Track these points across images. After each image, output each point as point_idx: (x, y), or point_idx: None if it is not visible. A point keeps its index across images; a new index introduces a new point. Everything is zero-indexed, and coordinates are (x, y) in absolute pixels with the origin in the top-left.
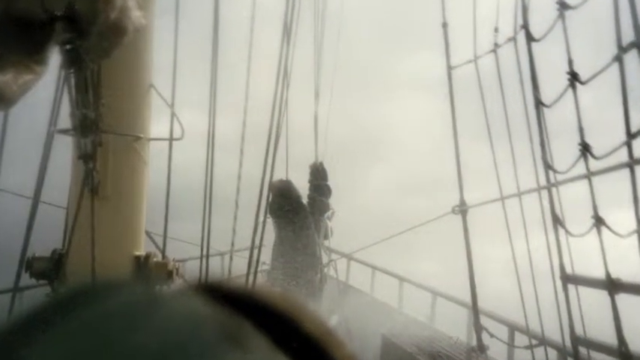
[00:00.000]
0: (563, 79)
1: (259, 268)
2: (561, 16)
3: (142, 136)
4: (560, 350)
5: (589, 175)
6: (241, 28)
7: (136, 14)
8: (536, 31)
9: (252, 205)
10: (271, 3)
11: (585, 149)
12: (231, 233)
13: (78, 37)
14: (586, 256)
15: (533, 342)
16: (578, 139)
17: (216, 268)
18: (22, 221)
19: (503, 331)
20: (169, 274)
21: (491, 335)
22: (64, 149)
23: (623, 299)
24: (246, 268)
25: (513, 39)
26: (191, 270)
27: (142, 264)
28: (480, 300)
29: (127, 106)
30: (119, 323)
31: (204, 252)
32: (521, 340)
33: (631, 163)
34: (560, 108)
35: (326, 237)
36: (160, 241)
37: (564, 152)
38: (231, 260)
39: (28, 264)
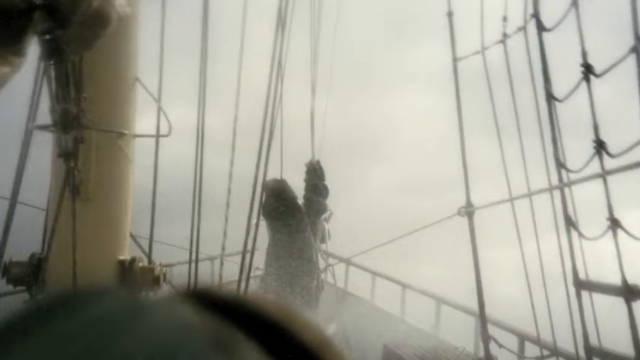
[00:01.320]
0: (577, 72)
1: (252, 274)
2: (574, 4)
3: (126, 132)
4: None
5: (604, 175)
6: (233, 16)
7: (120, 2)
8: (547, 21)
9: (244, 206)
10: None
11: (600, 147)
12: (221, 236)
13: (58, 27)
14: (601, 261)
15: (545, 352)
16: (592, 136)
17: (206, 274)
18: None
19: (512, 341)
20: (156, 280)
21: (500, 345)
22: (44, 147)
23: None
24: (238, 273)
25: (523, 29)
26: (179, 275)
27: (126, 269)
28: (488, 307)
29: (111, 100)
30: (102, 333)
31: (193, 256)
32: (531, 350)
33: None
34: (574, 102)
35: (323, 240)
36: (145, 244)
37: (578, 150)
38: (222, 265)
39: (4, 269)
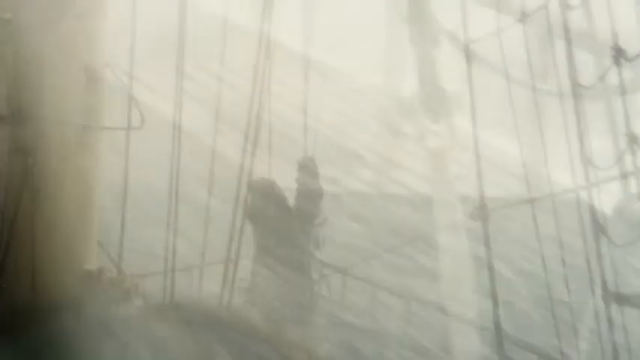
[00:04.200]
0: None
1: (236, 286)
2: None
3: (93, 124)
4: None
5: (637, 173)
6: None
7: None
8: None
9: (227, 209)
10: None
11: (632, 141)
12: (201, 243)
13: (16, 6)
14: (633, 270)
15: None
16: (623, 129)
17: (184, 286)
18: None
19: None
20: (127, 293)
21: None
22: None
23: None
24: (221, 285)
25: (545, 7)
26: (153, 288)
27: (93, 280)
28: (505, 323)
29: (76, 88)
30: (66, 352)
31: (169, 266)
32: None
33: None
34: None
35: (317, 248)
36: (115, 252)
37: (607, 144)
38: (202, 276)
39: None
